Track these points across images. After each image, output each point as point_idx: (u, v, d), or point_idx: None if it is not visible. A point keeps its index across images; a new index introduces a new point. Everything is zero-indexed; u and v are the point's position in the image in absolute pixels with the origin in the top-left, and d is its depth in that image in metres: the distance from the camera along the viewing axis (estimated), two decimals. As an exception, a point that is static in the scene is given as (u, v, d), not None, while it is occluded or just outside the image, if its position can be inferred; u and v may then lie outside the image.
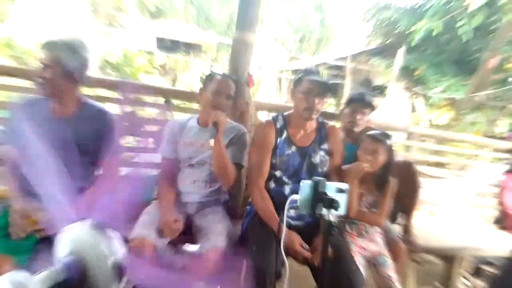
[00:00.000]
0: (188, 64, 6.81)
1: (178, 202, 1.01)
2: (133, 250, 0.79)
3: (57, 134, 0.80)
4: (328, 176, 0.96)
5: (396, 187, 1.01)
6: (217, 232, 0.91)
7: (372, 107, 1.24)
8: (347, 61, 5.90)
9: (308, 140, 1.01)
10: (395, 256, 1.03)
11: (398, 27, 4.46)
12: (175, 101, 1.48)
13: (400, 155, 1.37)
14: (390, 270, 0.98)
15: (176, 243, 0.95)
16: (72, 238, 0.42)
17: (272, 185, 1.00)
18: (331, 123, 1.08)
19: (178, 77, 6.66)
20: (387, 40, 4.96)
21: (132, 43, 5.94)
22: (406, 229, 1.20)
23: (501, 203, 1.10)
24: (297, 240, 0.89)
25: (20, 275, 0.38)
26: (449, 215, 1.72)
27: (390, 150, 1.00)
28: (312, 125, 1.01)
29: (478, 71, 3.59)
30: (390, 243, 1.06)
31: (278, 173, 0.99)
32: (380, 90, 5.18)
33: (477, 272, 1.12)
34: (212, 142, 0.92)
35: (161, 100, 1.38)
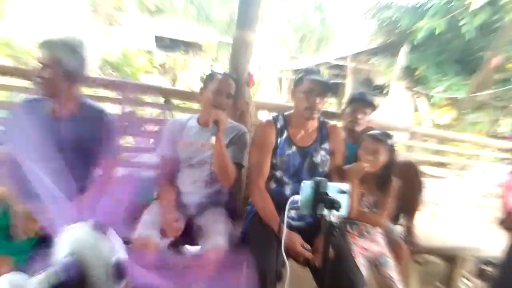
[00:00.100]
0: (188, 64, 6.80)
1: (179, 203, 1.01)
2: (136, 250, 0.79)
3: (56, 134, 0.79)
4: (329, 176, 0.95)
5: (397, 187, 1.01)
6: (217, 233, 0.91)
7: (373, 107, 1.24)
8: (347, 61, 5.88)
9: (309, 140, 1.00)
10: (396, 257, 1.02)
11: (399, 26, 4.43)
12: (175, 101, 1.47)
13: (403, 156, 1.36)
14: (392, 270, 0.98)
15: (176, 244, 0.95)
16: (71, 239, 0.42)
17: (273, 185, 1.00)
18: (332, 122, 1.08)
19: (178, 77, 6.65)
20: (388, 40, 4.93)
21: (132, 43, 5.93)
22: (408, 230, 1.19)
23: (504, 204, 1.09)
24: (298, 241, 0.88)
25: (19, 276, 0.37)
26: (451, 215, 1.71)
27: (391, 150, 1.00)
28: (313, 124, 1.01)
29: (480, 70, 3.57)
30: (392, 243, 1.06)
31: (278, 173, 0.99)
32: (381, 89, 5.15)
33: (478, 273, 1.12)
34: (213, 140, 0.92)
35: (160, 100, 1.38)
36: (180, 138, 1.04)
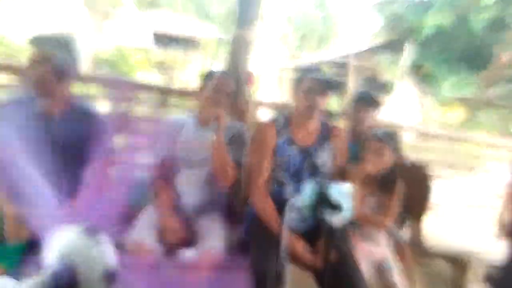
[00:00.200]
0: (186, 61, 6.75)
1: (176, 204, 0.99)
2: (131, 253, 0.77)
3: (44, 134, 0.77)
4: (330, 177, 0.93)
5: (402, 189, 0.98)
6: (214, 234, 0.90)
7: (377, 105, 1.21)
8: (350, 59, 5.83)
9: (310, 139, 0.98)
10: (401, 260, 1.00)
11: (404, 22, 4.33)
12: (173, 99, 1.45)
13: (411, 157, 1.32)
14: (395, 274, 0.95)
15: (173, 247, 0.94)
16: (61, 243, 0.40)
17: (273, 185, 0.98)
18: (334, 122, 1.06)
19: (176, 74, 6.60)
20: (392, 36, 4.84)
21: (128, 40, 5.88)
22: (415, 234, 1.17)
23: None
24: (298, 242, 0.87)
25: (9, 281, 0.36)
26: (459, 218, 1.68)
27: (396, 151, 0.97)
28: (314, 124, 0.99)
29: (489, 66, 3.47)
30: (397, 246, 1.04)
31: (278, 174, 0.97)
32: (385, 87, 5.08)
33: (487, 277, 1.09)
34: (214, 135, 0.90)
35: (157, 98, 1.36)
36: (178, 137, 1.03)
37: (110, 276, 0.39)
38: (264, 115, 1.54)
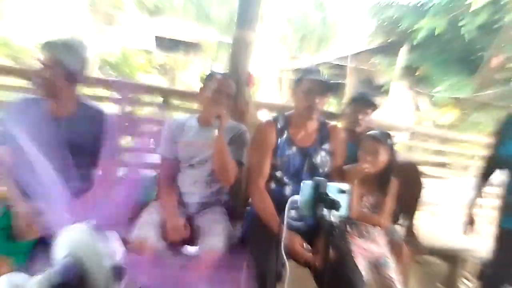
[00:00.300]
0: (188, 63, 6.79)
1: (179, 203, 1.00)
2: (133, 252, 0.79)
3: (54, 135, 0.79)
4: (329, 177, 0.94)
5: (397, 187, 1.00)
6: (215, 234, 0.90)
7: (374, 107, 1.24)
8: (348, 60, 5.87)
9: (309, 140, 1.00)
10: (397, 257, 1.02)
11: (400, 25, 4.41)
12: (175, 101, 1.47)
13: (403, 156, 1.35)
14: (392, 271, 0.97)
15: (175, 244, 0.95)
16: (70, 240, 0.42)
17: (273, 185, 1.00)
18: (333, 123, 1.07)
19: (177, 77, 6.64)
20: (389, 39, 4.91)
21: (131, 42, 5.93)
22: (409, 230, 1.19)
23: None
24: (297, 241, 0.88)
25: (18, 277, 0.37)
26: (452, 216, 1.70)
27: (391, 150, 0.99)
28: (313, 125, 1.01)
29: (481, 70, 3.55)
30: (392, 244, 1.06)
31: (278, 174, 0.99)
32: (382, 89, 5.14)
33: (479, 274, 1.11)
34: (216, 133, 0.91)
35: (159, 99, 1.38)
36: (180, 138, 1.04)
37: (118, 272, 0.40)
38: (264, 116, 1.55)
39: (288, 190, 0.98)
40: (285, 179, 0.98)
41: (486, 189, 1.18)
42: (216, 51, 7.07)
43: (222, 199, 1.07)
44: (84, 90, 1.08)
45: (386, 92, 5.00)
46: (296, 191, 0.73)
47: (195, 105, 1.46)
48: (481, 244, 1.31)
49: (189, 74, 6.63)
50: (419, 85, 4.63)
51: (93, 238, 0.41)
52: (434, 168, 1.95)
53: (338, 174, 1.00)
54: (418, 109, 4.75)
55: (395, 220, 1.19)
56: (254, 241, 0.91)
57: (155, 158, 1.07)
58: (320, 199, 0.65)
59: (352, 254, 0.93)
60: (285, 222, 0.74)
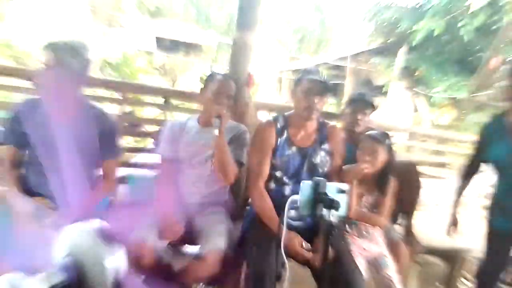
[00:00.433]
0: (188, 65, 6.81)
1: (179, 203, 1.01)
2: (133, 252, 0.79)
3: (57, 136, 0.79)
4: (328, 177, 0.95)
5: (396, 187, 1.01)
6: (217, 233, 0.91)
7: (373, 107, 1.24)
8: (347, 61, 5.89)
9: (308, 140, 1.01)
10: (396, 257, 1.02)
11: (398, 27, 4.45)
12: (175, 101, 1.47)
13: (402, 156, 1.36)
14: (391, 271, 0.97)
15: (176, 245, 0.95)
16: (71, 239, 0.42)
17: (272, 185, 1.00)
18: (332, 123, 1.08)
19: (178, 78, 6.66)
20: (388, 40, 4.94)
21: (132, 44, 5.95)
22: (407, 230, 1.19)
23: None
24: (297, 241, 0.88)
25: (19, 276, 0.37)
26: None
27: (390, 150, 1.00)
28: (312, 125, 1.01)
29: (480, 71, 3.57)
30: (391, 243, 1.06)
31: (278, 174, 0.99)
32: (381, 90, 5.16)
33: (476, 273, 1.12)
34: (216, 133, 0.91)
35: (160, 100, 1.38)
36: (180, 138, 1.04)
37: (118, 285, 0.40)
38: (263, 116, 1.56)
39: (287, 190, 0.98)
40: (285, 179, 0.99)
41: (479, 190, 1.19)
42: (216, 52, 7.09)
43: (222, 199, 1.07)
44: (86, 91, 1.08)
45: (385, 92, 5.03)
46: (295, 191, 0.73)
47: (195, 106, 1.47)
48: (480, 244, 1.31)
49: (189, 75, 6.65)
50: (417, 86, 4.66)
51: (94, 239, 0.41)
52: (433, 168, 1.95)
53: (338, 174, 1.00)
54: (417, 109, 4.78)
55: (394, 220, 1.20)
56: (253, 241, 0.91)
57: (154, 158, 1.07)
58: (320, 199, 0.66)
59: (352, 254, 0.93)
60: (284, 222, 0.74)
